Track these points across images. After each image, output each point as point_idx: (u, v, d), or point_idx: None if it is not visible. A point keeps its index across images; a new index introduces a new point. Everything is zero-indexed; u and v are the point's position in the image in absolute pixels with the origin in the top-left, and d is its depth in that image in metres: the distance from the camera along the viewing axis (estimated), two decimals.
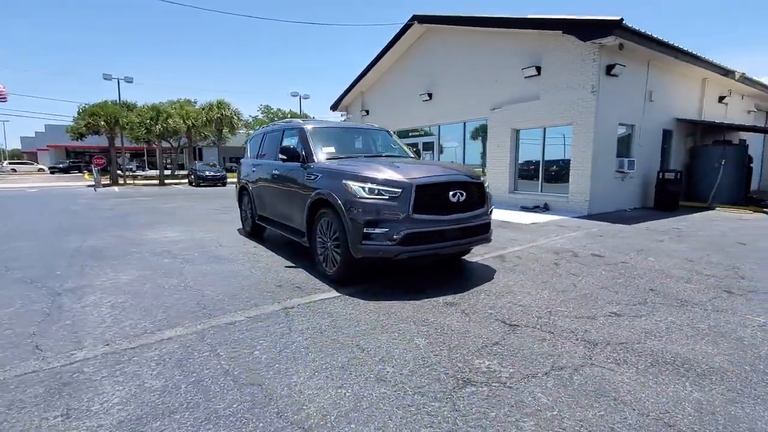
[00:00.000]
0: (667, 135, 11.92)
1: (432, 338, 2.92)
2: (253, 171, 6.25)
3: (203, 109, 25.36)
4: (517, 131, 11.41)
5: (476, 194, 4.20)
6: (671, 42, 9.74)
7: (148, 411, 2.06)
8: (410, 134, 15.36)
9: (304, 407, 2.10)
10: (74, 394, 2.20)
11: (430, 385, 2.31)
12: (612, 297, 3.85)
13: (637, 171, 10.81)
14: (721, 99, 13.74)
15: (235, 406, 2.10)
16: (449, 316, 3.34)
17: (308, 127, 5.14)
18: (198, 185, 21.15)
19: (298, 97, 30.72)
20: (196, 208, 11.03)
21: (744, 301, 3.77)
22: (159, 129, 21.64)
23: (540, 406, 2.13)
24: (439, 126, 14.04)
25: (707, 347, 2.83)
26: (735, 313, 3.46)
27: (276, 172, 5.39)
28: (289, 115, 36.38)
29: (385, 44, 14.72)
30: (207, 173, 21.38)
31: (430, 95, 13.88)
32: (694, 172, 12.26)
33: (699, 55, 10.68)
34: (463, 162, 13.33)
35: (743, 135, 14.79)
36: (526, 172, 11.58)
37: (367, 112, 17.13)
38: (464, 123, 13.22)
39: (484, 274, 4.61)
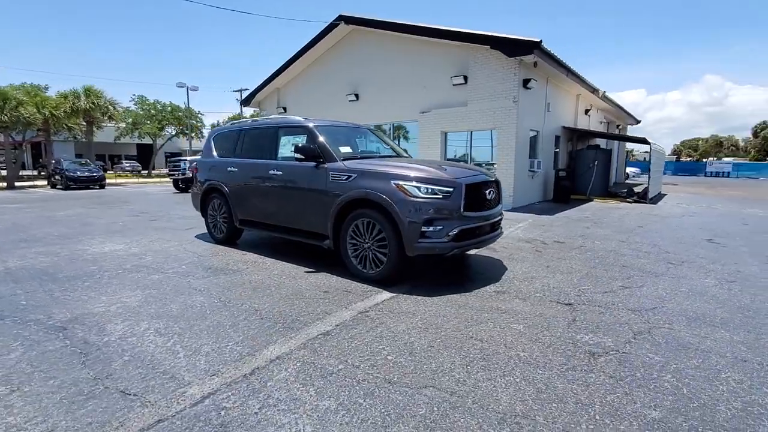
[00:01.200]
0: (557, 140, 14.29)
1: (523, 323, 3.22)
2: (232, 171, 5.65)
3: (65, 97, 20.79)
4: (446, 133, 12.38)
5: (496, 192, 4.63)
6: (566, 63, 11.74)
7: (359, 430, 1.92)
8: None
9: (497, 397, 2.20)
10: None
11: (570, 361, 2.62)
12: (606, 274, 4.68)
13: (541, 170, 12.75)
14: (586, 111, 16.97)
15: (436, 409, 2.09)
16: (511, 302, 3.69)
17: (315, 125, 4.91)
18: (67, 188, 17.43)
19: (185, 88, 27.52)
20: (108, 215, 9.25)
21: (686, 269, 4.97)
22: (6, 119, 17.04)
23: (660, 363, 2.61)
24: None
25: (704, 304, 3.72)
26: (691, 279, 4.56)
27: (277, 172, 5.01)
28: (169, 108, 32.27)
29: (307, 42, 14.36)
30: (79, 173, 17.74)
31: (357, 96, 14.04)
32: (575, 170, 14.96)
33: (580, 74, 13.08)
34: None
35: (598, 140, 18.51)
36: None
37: (285, 109, 16.43)
38: (392, 124, 13.75)
39: (493, 264, 5.08)
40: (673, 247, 6.23)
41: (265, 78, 16.07)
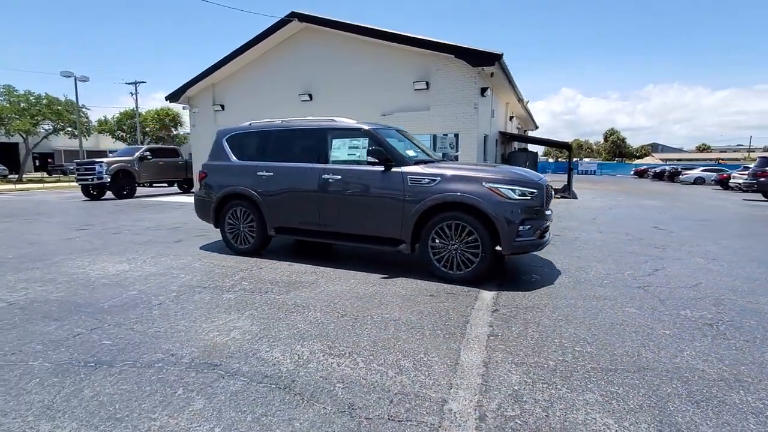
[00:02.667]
0: (496, 142, 15.71)
1: (630, 306, 3.66)
2: (265, 176, 5.16)
3: None
4: None
5: None
6: (511, 75, 13.02)
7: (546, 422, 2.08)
8: None
9: (700, 368, 2.55)
10: None
11: (704, 332, 3.10)
12: (627, 260, 5.45)
13: None
14: (510, 119, 18.94)
15: (676, 386, 2.35)
16: (595, 290, 4.13)
17: (373, 128, 4.78)
18: None
19: (73, 78, 23.16)
20: (45, 231, 7.50)
21: (673, 252, 6.03)
22: None
23: (761, 324, 3.25)
24: None
25: (724, 278, 4.62)
26: (686, 259, 5.57)
27: (334, 176, 4.75)
28: (45, 101, 26.84)
29: (253, 37, 13.43)
30: None
31: (310, 96, 13.60)
32: None
33: (516, 85, 14.59)
34: None
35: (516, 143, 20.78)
36: None
37: (223, 107, 15.10)
38: None
39: (532, 258, 5.54)
40: (640, 234, 7.47)
41: (199, 72, 14.57)
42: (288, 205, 5.08)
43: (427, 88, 11.94)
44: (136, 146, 16.65)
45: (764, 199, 16.51)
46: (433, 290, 4.06)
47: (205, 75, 14.62)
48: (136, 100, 33.30)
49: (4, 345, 2.79)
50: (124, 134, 37.34)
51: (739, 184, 23.33)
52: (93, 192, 14.16)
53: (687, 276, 4.68)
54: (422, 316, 3.39)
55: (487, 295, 3.93)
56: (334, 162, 4.92)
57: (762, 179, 16.14)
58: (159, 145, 19.66)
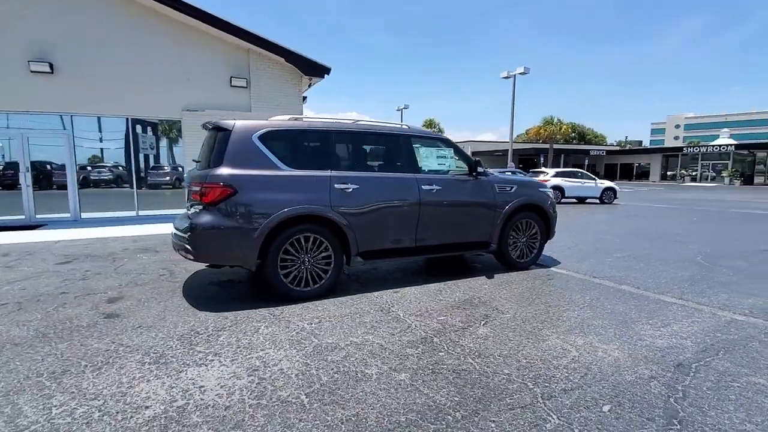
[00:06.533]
0: None
1: (646, 261, 5.97)
2: (348, 189, 3.97)
3: None
4: None
5: None
6: None
7: None
8: None
9: (745, 268, 5.11)
10: None
11: (704, 266, 5.80)
12: (567, 233, 8.04)
13: None
14: None
15: None
16: (611, 255, 6.27)
17: (449, 138, 4.84)
18: None
19: None
20: None
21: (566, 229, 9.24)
22: None
23: (713, 254, 6.33)
24: (71, 116, 9.28)
25: (622, 242, 7.95)
26: (589, 234, 8.81)
27: (435, 187, 4.44)
28: None
29: None
30: None
31: (51, 66, 8.76)
32: None
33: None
34: (147, 164, 10.12)
35: None
36: None
37: None
38: (128, 119, 9.85)
39: None
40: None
41: None
42: (381, 223, 4.21)
43: (247, 87, 10.67)
44: None
45: None
46: (540, 275, 4.89)
47: None
48: None
49: None
50: None
51: None
52: None
53: (618, 243, 7.43)
54: (598, 294, 4.28)
55: (574, 274, 5.15)
56: (427, 172, 4.60)
57: None
58: None
